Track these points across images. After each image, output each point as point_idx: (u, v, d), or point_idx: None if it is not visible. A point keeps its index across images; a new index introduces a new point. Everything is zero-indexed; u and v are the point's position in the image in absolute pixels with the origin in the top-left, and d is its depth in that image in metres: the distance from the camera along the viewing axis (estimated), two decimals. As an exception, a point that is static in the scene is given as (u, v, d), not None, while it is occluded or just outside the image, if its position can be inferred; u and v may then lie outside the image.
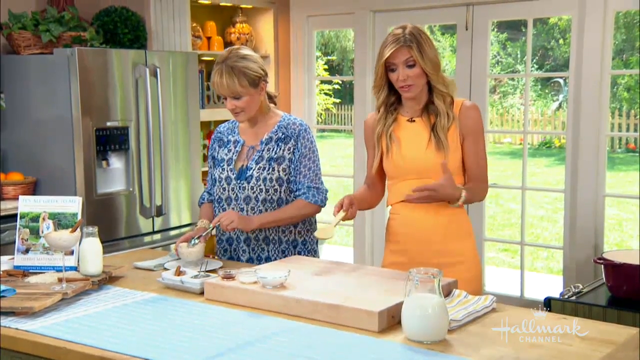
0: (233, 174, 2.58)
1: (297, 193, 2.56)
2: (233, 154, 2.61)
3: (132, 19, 3.99)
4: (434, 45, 2.37)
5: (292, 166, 2.55)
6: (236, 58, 2.47)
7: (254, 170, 2.54)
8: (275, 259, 2.56)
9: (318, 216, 2.67)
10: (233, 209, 2.56)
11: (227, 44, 4.76)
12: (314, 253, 2.64)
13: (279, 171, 2.54)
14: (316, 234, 2.31)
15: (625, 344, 1.72)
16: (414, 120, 2.40)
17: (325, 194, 2.60)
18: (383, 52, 2.31)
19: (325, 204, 2.61)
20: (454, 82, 2.45)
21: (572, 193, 4.06)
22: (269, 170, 2.53)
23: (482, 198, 2.50)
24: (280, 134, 2.58)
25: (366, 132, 2.53)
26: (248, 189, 2.54)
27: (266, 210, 2.54)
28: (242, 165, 2.58)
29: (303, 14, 4.93)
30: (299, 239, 2.61)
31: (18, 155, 3.77)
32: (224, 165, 2.61)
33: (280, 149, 2.56)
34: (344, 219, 2.31)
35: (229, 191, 2.58)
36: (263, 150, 2.56)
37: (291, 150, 2.56)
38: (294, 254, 2.59)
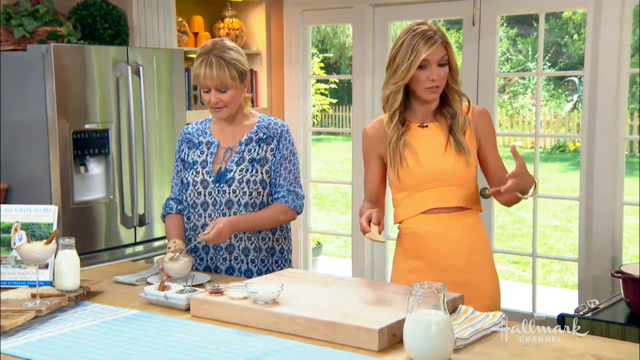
0: (210, 177, 2.59)
1: (275, 196, 2.60)
2: (207, 155, 2.62)
3: (112, 13, 3.99)
4: None
5: (273, 168, 2.58)
6: (223, 49, 2.53)
7: (235, 172, 2.56)
8: (256, 268, 2.60)
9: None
10: (210, 214, 2.58)
11: (216, 40, 4.76)
12: (289, 263, 2.69)
13: (262, 173, 2.57)
14: (368, 236, 2.21)
15: (645, 364, 1.72)
16: (426, 126, 2.42)
17: (303, 200, 2.64)
18: (419, 50, 2.31)
19: (302, 211, 2.65)
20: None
21: (587, 201, 4.06)
22: (252, 172, 2.56)
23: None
24: (261, 134, 2.61)
25: (367, 143, 2.49)
26: (229, 193, 2.56)
27: None
28: (221, 168, 2.59)
29: (297, 8, 4.94)
30: (276, 247, 2.65)
31: (-12, 161, 3.76)
32: (197, 167, 2.62)
33: (262, 149, 2.59)
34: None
35: (205, 195, 2.59)
36: (243, 151, 2.59)
37: (273, 151, 2.59)
38: (272, 262, 2.64)
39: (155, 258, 3.39)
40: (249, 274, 2.59)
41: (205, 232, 2.46)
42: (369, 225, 2.24)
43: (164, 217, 2.74)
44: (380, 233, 2.27)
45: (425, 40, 2.32)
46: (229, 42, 2.58)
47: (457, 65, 2.41)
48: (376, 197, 2.51)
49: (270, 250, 2.63)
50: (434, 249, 2.38)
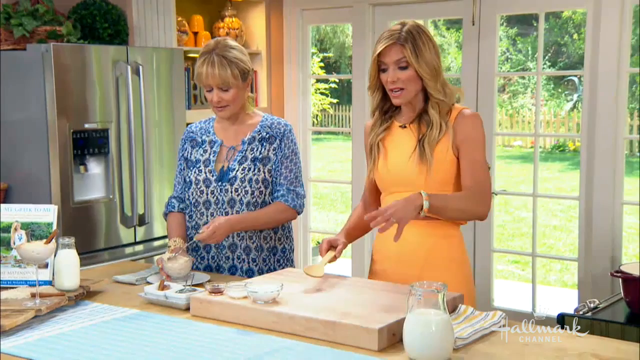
0: (213, 176, 2.59)
1: (275, 195, 2.60)
2: (210, 154, 2.63)
3: (112, 12, 3.99)
4: (436, 48, 2.30)
5: (274, 167, 2.59)
6: (226, 48, 2.54)
7: (237, 171, 2.57)
8: (258, 267, 2.60)
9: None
10: (212, 213, 2.59)
11: (215, 39, 4.76)
12: (291, 262, 2.69)
13: (264, 172, 2.57)
14: (306, 270, 2.26)
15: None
16: (405, 127, 2.35)
17: (304, 200, 2.64)
18: (376, 48, 2.29)
19: (302, 211, 2.65)
20: (460, 91, 2.39)
21: (587, 200, 4.06)
22: (254, 171, 2.56)
23: (476, 214, 2.29)
24: (264, 133, 2.61)
25: (364, 140, 2.49)
26: (232, 191, 2.57)
27: None
28: (223, 167, 2.59)
29: (297, 8, 4.94)
30: (278, 246, 2.66)
31: (-12, 160, 3.76)
32: (200, 166, 2.62)
33: (265, 149, 2.59)
34: (330, 261, 2.30)
35: (207, 194, 2.60)
36: (246, 150, 2.59)
37: (276, 151, 2.60)
38: (274, 262, 2.64)
39: (155, 257, 3.39)
40: (250, 274, 2.59)
41: (201, 231, 2.46)
42: (325, 252, 2.30)
43: (165, 215, 2.75)
44: (332, 261, 2.29)
45: (383, 40, 2.26)
46: (231, 42, 2.59)
47: (434, 68, 2.26)
48: (370, 199, 2.49)
49: (272, 250, 2.64)
50: (388, 255, 2.36)
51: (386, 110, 2.39)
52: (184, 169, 2.70)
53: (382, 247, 2.41)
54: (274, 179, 2.61)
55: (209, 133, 2.67)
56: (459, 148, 2.29)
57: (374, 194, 2.48)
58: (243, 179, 2.56)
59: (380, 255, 2.42)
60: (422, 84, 2.28)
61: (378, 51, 2.27)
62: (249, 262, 2.60)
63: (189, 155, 2.68)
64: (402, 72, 2.26)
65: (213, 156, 2.62)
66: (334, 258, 2.33)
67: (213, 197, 2.59)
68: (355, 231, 2.47)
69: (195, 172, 2.63)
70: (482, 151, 2.32)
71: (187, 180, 2.66)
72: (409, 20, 2.32)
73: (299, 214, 2.64)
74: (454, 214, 2.28)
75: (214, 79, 2.51)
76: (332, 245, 2.35)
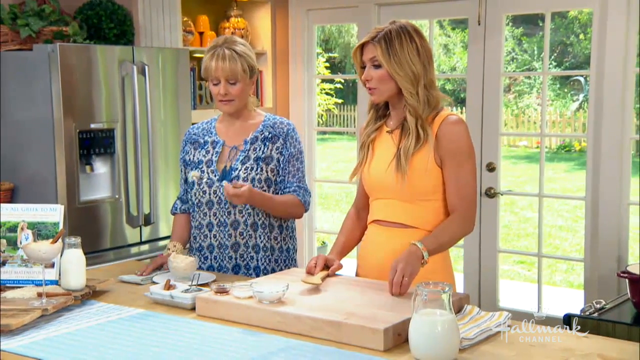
0: (215, 176, 2.60)
1: (286, 191, 2.62)
2: (213, 155, 2.64)
3: (118, 12, 4.00)
4: (421, 52, 2.22)
5: (281, 167, 2.61)
6: (235, 43, 2.58)
7: (240, 170, 2.58)
8: (263, 267, 2.61)
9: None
10: (215, 213, 2.61)
11: (221, 39, 4.77)
12: (294, 262, 2.71)
13: (267, 172, 2.58)
14: (304, 279, 2.22)
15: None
16: (391, 132, 2.31)
17: (310, 197, 2.67)
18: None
19: (309, 209, 2.68)
20: (446, 100, 2.30)
21: (593, 201, 4.06)
22: (257, 170, 2.57)
23: (464, 234, 2.28)
24: (267, 133, 2.62)
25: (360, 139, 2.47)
26: None
27: (255, 213, 2.58)
28: (226, 166, 2.60)
29: (303, 8, 4.94)
30: (283, 246, 2.67)
31: (-6, 160, 3.77)
32: (202, 167, 2.64)
33: (267, 148, 2.60)
34: (323, 278, 2.27)
35: (210, 194, 2.61)
36: (249, 150, 2.60)
37: (279, 150, 2.61)
38: (280, 261, 2.66)
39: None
40: (256, 272, 2.60)
41: (233, 184, 2.44)
42: (315, 269, 2.27)
43: (173, 214, 2.81)
44: (324, 278, 2.25)
45: (364, 37, 2.27)
46: (239, 39, 2.63)
47: (411, 73, 2.19)
48: (363, 203, 2.46)
49: (277, 249, 2.64)
50: (370, 261, 2.35)
51: (379, 109, 2.36)
52: (182, 171, 2.73)
53: (365, 254, 2.41)
54: (282, 177, 2.62)
55: (211, 134, 2.68)
56: (443, 160, 2.23)
57: (365, 198, 2.45)
58: (246, 179, 2.57)
59: (363, 262, 2.42)
60: (397, 86, 2.24)
61: (354, 48, 2.28)
62: (257, 260, 2.61)
63: (191, 157, 2.69)
64: (375, 71, 2.23)
65: (215, 157, 2.63)
66: (327, 275, 2.31)
67: (215, 197, 2.60)
68: (349, 246, 2.47)
69: (197, 172, 2.65)
70: (468, 161, 2.25)
71: (190, 180, 2.67)
72: (402, 20, 2.28)
73: (306, 211, 2.66)
74: (448, 245, 2.28)
75: (223, 71, 2.52)
76: (326, 265, 2.34)
